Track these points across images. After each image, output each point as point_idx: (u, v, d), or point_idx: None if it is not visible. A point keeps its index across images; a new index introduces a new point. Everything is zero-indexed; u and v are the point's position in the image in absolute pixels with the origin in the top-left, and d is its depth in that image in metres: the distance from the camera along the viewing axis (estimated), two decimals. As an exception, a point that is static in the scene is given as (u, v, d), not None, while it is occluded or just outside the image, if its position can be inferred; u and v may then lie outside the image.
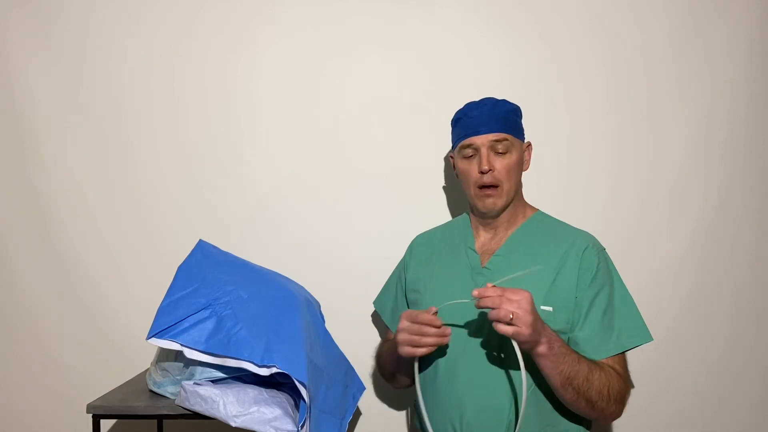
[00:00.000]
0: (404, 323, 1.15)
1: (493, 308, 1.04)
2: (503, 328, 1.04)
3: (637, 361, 1.49)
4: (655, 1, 1.58)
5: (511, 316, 1.03)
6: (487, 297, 1.05)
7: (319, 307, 1.41)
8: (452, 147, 1.34)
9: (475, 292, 1.06)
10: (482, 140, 1.25)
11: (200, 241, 1.32)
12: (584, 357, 1.13)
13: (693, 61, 1.59)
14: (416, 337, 1.13)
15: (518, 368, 1.16)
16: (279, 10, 1.61)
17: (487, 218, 1.30)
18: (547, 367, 1.09)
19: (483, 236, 1.31)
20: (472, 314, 1.20)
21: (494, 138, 1.24)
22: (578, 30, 1.60)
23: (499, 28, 1.60)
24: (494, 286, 1.07)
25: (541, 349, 1.07)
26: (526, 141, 1.32)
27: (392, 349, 1.27)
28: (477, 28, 1.60)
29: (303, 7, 1.61)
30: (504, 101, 1.29)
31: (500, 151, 1.24)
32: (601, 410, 1.13)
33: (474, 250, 1.30)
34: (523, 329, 1.03)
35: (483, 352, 1.19)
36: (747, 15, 1.57)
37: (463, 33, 1.61)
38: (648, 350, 1.30)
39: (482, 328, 1.20)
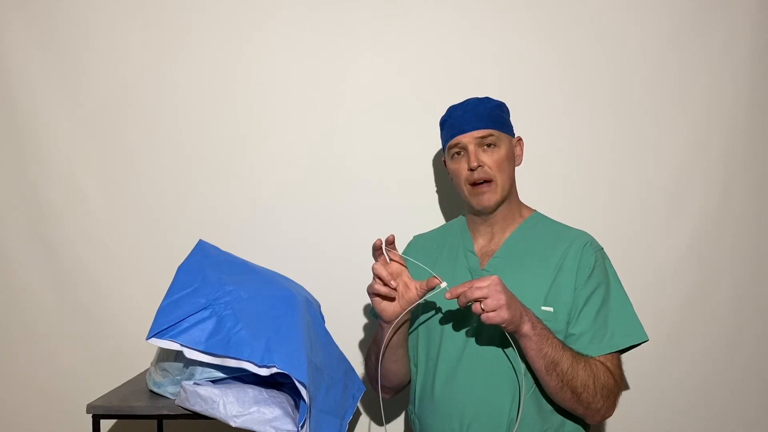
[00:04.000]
0: (377, 265, 1.16)
1: (468, 303, 1.06)
2: (484, 318, 1.05)
3: (636, 361, 1.49)
4: (656, 1, 1.58)
5: (482, 306, 1.04)
6: (459, 294, 1.07)
7: (319, 307, 1.41)
8: (443, 150, 1.34)
9: (448, 295, 1.08)
10: (468, 138, 1.24)
11: (200, 241, 1.32)
12: (569, 348, 1.13)
13: (693, 61, 1.59)
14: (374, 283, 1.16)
15: (517, 369, 1.16)
16: (279, 10, 1.61)
17: (483, 215, 1.29)
18: (531, 348, 1.09)
19: (481, 238, 1.31)
20: (467, 318, 1.21)
21: (479, 134, 1.24)
22: (578, 30, 1.60)
23: (498, 29, 1.60)
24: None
25: (526, 328, 1.08)
26: (516, 136, 1.32)
27: (376, 335, 1.28)
28: (476, 28, 1.61)
29: (302, 8, 1.61)
30: (487, 98, 1.29)
31: (488, 144, 1.24)
32: (588, 404, 1.12)
33: (473, 253, 1.29)
34: (500, 311, 1.04)
35: (481, 354, 1.19)
36: (747, 15, 1.57)
37: (462, 33, 1.61)
38: (647, 350, 1.30)
39: (477, 330, 1.20)
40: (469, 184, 1.25)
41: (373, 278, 1.16)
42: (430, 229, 1.46)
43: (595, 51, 1.60)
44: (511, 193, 1.28)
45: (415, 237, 1.45)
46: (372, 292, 1.16)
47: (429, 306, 1.26)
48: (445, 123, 1.32)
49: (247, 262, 1.35)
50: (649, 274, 1.58)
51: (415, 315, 1.28)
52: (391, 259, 1.17)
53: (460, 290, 1.07)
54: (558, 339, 1.12)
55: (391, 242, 1.15)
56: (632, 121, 1.60)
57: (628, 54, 1.59)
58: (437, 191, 1.64)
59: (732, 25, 1.58)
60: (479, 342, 1.19)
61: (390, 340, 1.22)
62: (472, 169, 1.23)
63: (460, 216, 1.41)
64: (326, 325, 1.37)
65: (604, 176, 1.60)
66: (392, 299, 1.16)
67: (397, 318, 1.17)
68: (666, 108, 1.60)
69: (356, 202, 1.63)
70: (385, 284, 1.14)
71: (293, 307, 1.21)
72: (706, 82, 1.59)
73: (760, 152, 1.60)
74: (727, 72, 1.59)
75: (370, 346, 1.37)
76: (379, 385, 1.24)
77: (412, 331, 1.30)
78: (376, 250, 1.16)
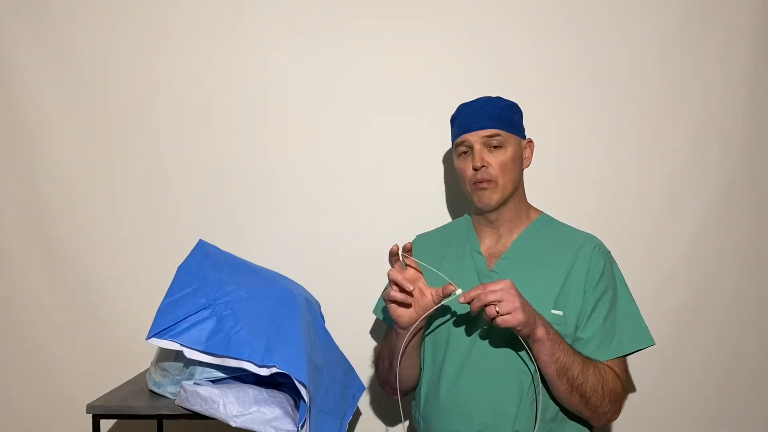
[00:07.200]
0: (393, 271, 1.14)
1: (482, 306, 1.06)
2: (499, 321, 1.05)
3: (637, 363, 1.49)
4: (659, 2, 1.58)
5: (497, 309, 1.04)
6: (473, 298, 1.07)
7: (319, 307, 1.41)
8: (452, 147, 1.34)
9: (462, 300, 1.08)
10: (474, 137, 1.24)
11: (200, 241, 1.32)
12: (579, 353, 1.14)
13: (693, 62, 1.59)
14: (390, 289, 1.14)
15: (524, 370, 1.16)
16: (280, 9, 1.61)
17: (486, 214, 1.28)
18: (544, 353, 1.09)
19: (488, 239, 1.30)
20: (473, 320, 1.20)
21: (486, 134, 1.23)
22: (579, 30, 1.59)
23: (500, 28, 1.60)
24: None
25: (540, 332, 1.08)
26: (527, 138, 1.31)
27: (390, 340, 1.27)
28: (479, 26, 1.60)
29: (305, 6, 1.61)
30: (498, 98, 1.29)
31: (494, 145, 1.24)
32: (595, 408, 1.13)
33: (480, 253, 1.29)
34: (516, 314, 1.05)
35: (487, 355, 1.19)
36: (747, 15, 1.57)
37: (471, 33, 1.60)
38: (649, 352, 1.30)
39: (483, 332, 1.20)
40: (472, 183, 1.25)
41: (389, 284, 1.15)
42: (433, 229, 1.46)
43: (595, 51, 1.59)
44: (515, 194, 1.27)
45: (417, 236, 1.45)
46: (388, 299, 1.15)
47: (438, 309, 1.26)
48: (454, 120, 1.31)
49: (247, 262, 1.35)
50: (651, 274, 1.58)
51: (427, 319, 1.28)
52: (406, 266, 1.16)
53: (473, 294, 1.07)
54: (567, 343, 1.13)
55: (408, 250, 1.14)
56: (632, 122, 1.60)
57: (628, 54, 1.59)
58: (440, 193, 1.63)
59: (731, 25, 1.57)
60: (485, 343, 1.19)
61: (407, 346, 1.21)
62: (476, 169, 1.23)
63: (465, 215, 1.40)
64: (326, 325, 1.37)
65: (604, 177, 1.60)
66: (408, 306, 1.15)
67: (413, 324, 1.16)
68: (666, 109, 1.59)
69: (357, 201, 1.62)
70: (402, 290, 1.13)
71: (293, 307, 1.21)
72: (707, 83, 1.59)
73: (759, 153, 1.60)
74: (727, 73, 1.58)
75: (381, 350, 1.37)
76: (398, 391, 1.22)
77: (427, 338, 1.29)
78: (393, 256, 1.14)
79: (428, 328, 1.27)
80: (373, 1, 1.61)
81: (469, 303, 1.08)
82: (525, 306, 1.06)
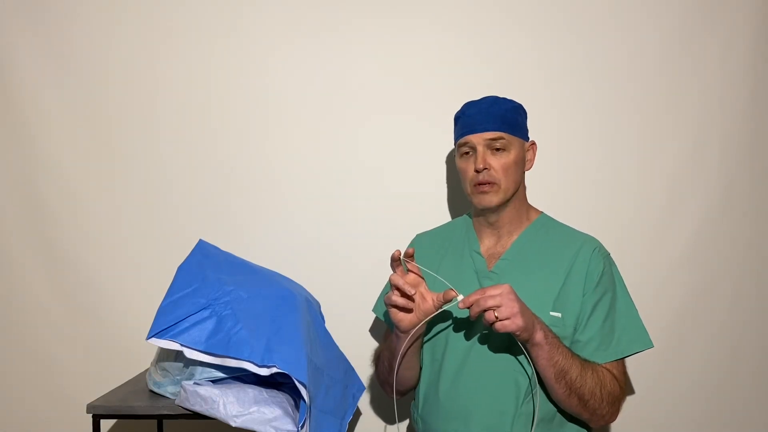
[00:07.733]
0: (395, 275, 1.14)
1: (481, 312, 1.06)
2: (498, 326, 1.05)
3: (637, 363, 1.49)
4: (657, 1, 1.58)
5: (496, 315, 1.04)
6: (472, 302, 1.07)
7: (319, 307, 1.41)
8: (454, 145, 1.34)
9: (461, 305, 1.08)
10: (478, 139, 1.24)
11: (200, 241, 1.32)
12: (578, 355, 1.14)
13: (693, 60, 1.59)
14: (391, 294, 1.14)
15: (522, 372, 1.16)
16: (280, 9, 1.61)
17: (486, 215, 1.28)
18: (542, 357, 1.09)
19: (487, 240, 1.30)
20: (471, 321, 1.20)
21: (490, 136, 1.23)
22: (579, 30, 1.59)
23: (500, 28, 1.60)
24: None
25: (539, 336, 1.08)
26: (530, 140, 1.31)
27: (390, 342, 1.27)
28: (479, 26, 1.60)
29: (305, 6, 1.61)
30: (503, 99, 1.28)
31: (497, 148, 1.23)
32: (593, 410, 1.13)
33: (480, 254, 1.29)
34: (514, 319, 1.05)
35: (485, 356, 1.19)
36: (747, 15, 1.57)
37: (465, 30, 1.60)
38: (648, 353, 1.30)
39: (482, 333, 1.20)
40: (473, 185, 1.25)
41: (391, 289, 1.15)
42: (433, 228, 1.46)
43: (595, 51, 1.59)
44: (516, 196, 1.27)
45: (417, 235, 1.45)
46: (389, 303, 1.15)
47: (439, 314, 1.26)
48: (458, 119, 1.30)
49: (247, 262, 1.35)
50: (651, 274, 1.58)
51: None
52: (408, 270, 1.16)
53: (472, 299, 1.07)
54: (566, 346, 1.13)
55: (410, 255, 1.14)
56: (632, 122, 1.59)
57: (628, 54, 1.59)
58: (441, 193, 1.63)
59: (731, 25, 1.57)
60: (484, 344, 1.19)
61: (407, 350, 1.21)
62: (478, 171, 1.23)
63: (465, 215, 1.40)
64: (326, 325, 1.38)
65: (603, 178, 1.60)
66: (409, 310, 1.16)
67: (413, 329, 1.16)
68: (666, 109, 1.59)
69: (357, 201, 1.62)
70: (403, 294, 1.13)
71: (293, 307, 1.21)
72: (707, 83, 1.59)
73: (759, 153, 1.60)
74: (727, 73, 1.58)
75: (381, 351, 1.37)
76: (394, 393, 1.23)
77: (426, 340, 1.29)
78: (395, 261, 1.14)
79: (428, 332, 1.27)
80: (373, 1, 1.61)
81: (468, 308, 1.08)
82: (524, 311, 1.06)
